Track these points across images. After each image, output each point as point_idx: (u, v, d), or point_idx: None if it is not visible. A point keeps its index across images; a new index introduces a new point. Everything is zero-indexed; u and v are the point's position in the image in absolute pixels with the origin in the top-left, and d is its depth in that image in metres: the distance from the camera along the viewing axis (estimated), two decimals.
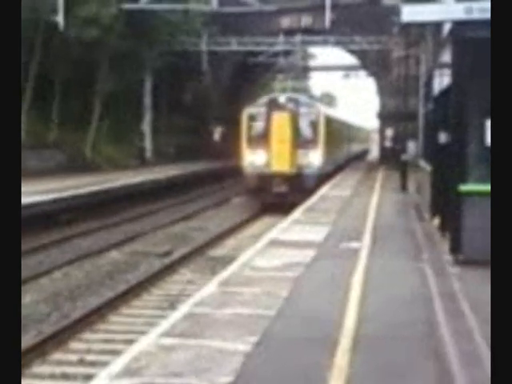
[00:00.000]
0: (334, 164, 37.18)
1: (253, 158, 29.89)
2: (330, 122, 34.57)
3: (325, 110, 35.77)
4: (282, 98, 30.51)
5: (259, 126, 30.07)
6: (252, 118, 30.31)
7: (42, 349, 10.63)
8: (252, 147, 29.99)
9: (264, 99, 31.52)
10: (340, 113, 58.62)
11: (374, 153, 68.08)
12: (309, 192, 26.89)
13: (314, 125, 30.38)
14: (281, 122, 29.51)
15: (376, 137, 65.23)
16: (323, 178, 31.20)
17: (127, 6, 35.41)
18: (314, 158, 30.03)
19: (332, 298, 9.46)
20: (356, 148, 67.76)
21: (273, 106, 29.92)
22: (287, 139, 29.35)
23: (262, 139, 29.53)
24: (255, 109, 30.68)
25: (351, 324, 8.07)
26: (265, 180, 29.25)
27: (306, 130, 30.25)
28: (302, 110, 30.21)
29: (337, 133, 40.64)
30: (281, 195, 28.95)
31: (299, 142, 29.68)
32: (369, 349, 7.29)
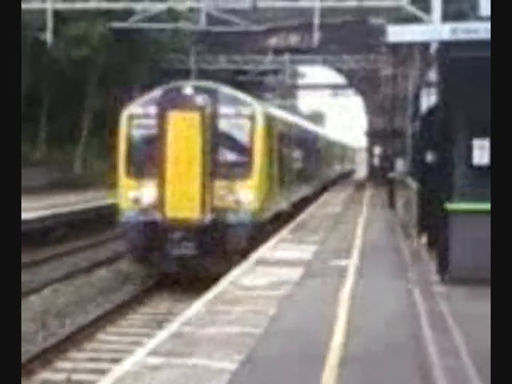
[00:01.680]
0: (289, 201, 23.91)
1: (135, 195, 17.21)
2: (281, 132, 22.05)
3: (271, 111, 22.16)
4: (186, 88, 17.45)
5: (146, 137, 17.72)
6: (135, 124, 17.78)
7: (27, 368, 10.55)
8: (134, 175, 17.49)
9: (158, 90, 18.09)
10: (308, 124, 39.98)
11: (362, 171, 68.26)
12: (236, 254, 16.46)
13: (247, 136, 17.73)
14: (183, 130, 16.83)
15: (363, 155, 65.55)
16: (264, 228, 18.76)
17: (116, 24, 35.49)
18: (246, 195, 17.29)
19: (319, 316, 9.45)
20: (338, 170, 58.00)
21: (170, 100, 17.28)
22: (194, 161, 16.81)
23: (151, 161, 17.20)
24: (140, 108, 17.85)
25: (339, 342, 8.06)
26: (156, 234, 16.89)
27: (231, 144, 17.72)
28: (224, 108, 17.52)
29: (300, 150, 28.60)
30: (184, 261, 16.78)
31: (218, 165, 17.20)
32: (356, 366, 7.28)
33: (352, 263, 13.65)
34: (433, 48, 15.24)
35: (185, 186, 16.64)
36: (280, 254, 15.11)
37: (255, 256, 14.96)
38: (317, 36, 31.17)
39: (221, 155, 17.36)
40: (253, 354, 7.67)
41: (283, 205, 22.60)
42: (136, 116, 17.62)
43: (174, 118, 16.79)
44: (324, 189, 39.46)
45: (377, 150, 51.81)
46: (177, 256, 16.65)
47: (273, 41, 48.31)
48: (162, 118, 16.87)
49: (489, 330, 5.89)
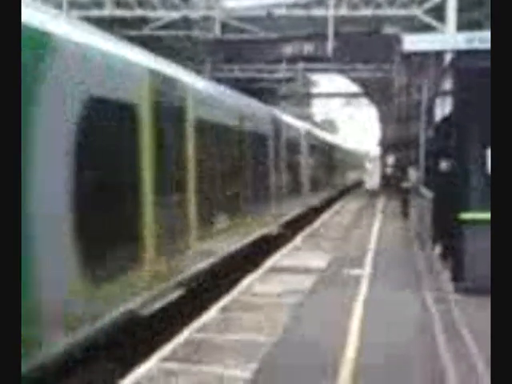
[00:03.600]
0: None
1: None
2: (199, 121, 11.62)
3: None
4: None
5: None
6: None
7: None
8: None
9: None
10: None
11: (374, 180, 67.86)
12: None
13: None
14: None
15: (376, 164, 65.28)
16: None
17: (131, 32, 35.66)
18: None
19: (333, 325, 9.44)
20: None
21: None
22: None
23: None
24: None
25: (352, 352, 8.05)
26: None
27: None
28: None
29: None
30: None
31: None
32: (369, 377, 7.26)
33: (366, 272, 13.63)
34: (447, 57, 15.22)
35: None
36: (294, 262, 15.10)
37: (268, 263, 14.97)
38: (331, 45, 31.25)
39: None
40: (266, 363, 7.67)
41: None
42: None
43: None
44: (337, 197, 38.37)
45: (390, 159, 51.77)
46: None
47: (287, 49, 48.36)
48: None
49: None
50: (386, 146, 51.27)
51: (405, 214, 26.44)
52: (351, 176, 56.35)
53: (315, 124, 64.13)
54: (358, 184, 63.45)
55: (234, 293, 11.71)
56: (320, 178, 31.52)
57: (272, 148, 19.22)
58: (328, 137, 40.15)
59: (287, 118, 23.63)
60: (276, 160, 19.69)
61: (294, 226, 22.52)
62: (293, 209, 22.91)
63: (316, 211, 29.19)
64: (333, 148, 39.40)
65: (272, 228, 18.74)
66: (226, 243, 13.50)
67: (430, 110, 19.46)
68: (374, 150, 67.75)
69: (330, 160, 37.72)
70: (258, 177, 16.91)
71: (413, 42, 11.79)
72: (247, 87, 47.44)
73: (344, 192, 45.46)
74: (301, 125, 27.40)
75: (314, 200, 29.29)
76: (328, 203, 34.53)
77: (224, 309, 10.43)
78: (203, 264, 11.73)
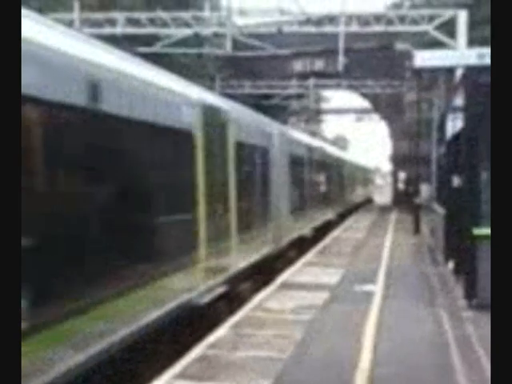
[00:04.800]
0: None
1: None
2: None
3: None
4: None
5: None
6: None
7: None
8: None
9: None
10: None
11: (385, 196, 67.68)
12: None
13: None
14: None
15: (387, 180, 65.07)
16: None
17: (141, 49, 35.86)
18: None
19: (346, 341, 9.40)
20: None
21: None
22: None
23: None
24: None
25: (366, 367, 8.01)
26: None
27: None
28: None
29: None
30: None
31: None
32: None
33: (378, 288, 13.59)
34: (458, 73, 15.23)
35: None
36: (305, 278, 15.08)
37: (280, 279, 14.94)
38: (342, 61, 31.29)
39: None
40: (279, 380, 7.64)
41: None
42: None
43: None
44: (350, 212, 37.38)
45: (401, 175, 51.69)
46: None
47: (298, 65, 48.52)
48: None
49: None
50: (398, 161, 51.20)
51: (417, 230, 26.37)
52: (359, 193, 53.17)
53: (324, 139, 64.02)
54: (367, 201, 60.42)
55: (246, 309, 11.70)
56: (325, 195, 30.00)
57: (285, 163, 19.69)
58: (335, 152, 38.87)
59: (290, 132, 23.45)
60: (288, 175, 20.08)
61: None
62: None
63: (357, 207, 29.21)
64: (339, 163, 37.93)
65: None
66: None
67: (442, 126, 19.45)
68: (386, 165, 67.72)
69: (337, 175, 36.49)
70: (273, 191, 17.52)
71: (424, 59, 11.79)
72: (257, 103, 47.59)
73: (350, 211, 41.88)
74: (306, 140, 26.97)
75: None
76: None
77: (236, 325, 10.41)
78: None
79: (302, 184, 23.50)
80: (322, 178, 29.54)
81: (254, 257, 14.69)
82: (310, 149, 25.78)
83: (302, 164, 23.49)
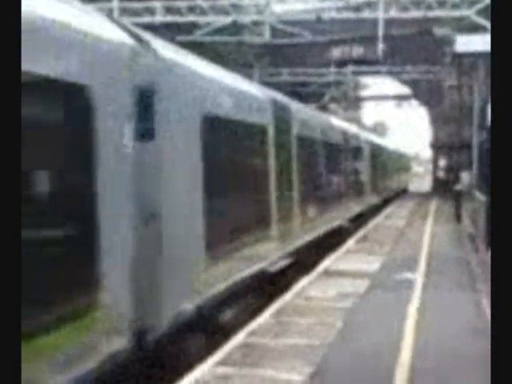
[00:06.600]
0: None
1: None
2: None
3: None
4: None
5: None
6: None
7: None
8: None
9: None
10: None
11: (425, 184, 66.96)
12: None
13: None
14: None
15: (428, 167, 64.37)
16: None
17: (181, 37, 35.95)
18: None
19: (387, 329, 9.38)
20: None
21: None
22: None
23: None
24: None
25: (407, 356, 7.99)
26: None
27: None
28: None
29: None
30: None
31: None
32: (426, 381, 7.21)
33: (419, 275, 13.52)
34: None
35: None
36: (346, 266, 15.06)
37: (322, 267, 14.95)
38: (381, 47, 31.04)
39: None
40: (321, 367, 7.66)
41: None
42: None
43: None
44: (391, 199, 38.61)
45: (442, 162, 51.20)
46: None
47: (336, 52, 48.25)
48: None
49: None
50: (438, 148, 50.71)
51: (457, 217, 26.12)
52: (393, 181, 48.49)
53: (363, 127, 63.59)
54: (403, 191, 56.56)
55: (288, 296, 11.73)
56: (358, 184, 27.91)
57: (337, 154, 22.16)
58: (371, 137, 36.85)
59: (345, 126, 25.89)
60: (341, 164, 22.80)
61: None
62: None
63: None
64: (374, 149, 35.24)
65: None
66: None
67: (483, 112, 19.20)
68: (426, 152, 67.07)
69: (372, 163, 33.78)
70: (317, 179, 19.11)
71: (465, 43, 11.63)
72: (293, 90, 47.45)
73: (385, 203, 38.53)
74: (358, 132, 28.67)
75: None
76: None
77: (277, 313, 10.45)
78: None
79: (355, 172, 26.21)
80: (371, 167, 31.63)
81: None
82: (360, 140, 28.03)
83: (348, 153, 24.93)
